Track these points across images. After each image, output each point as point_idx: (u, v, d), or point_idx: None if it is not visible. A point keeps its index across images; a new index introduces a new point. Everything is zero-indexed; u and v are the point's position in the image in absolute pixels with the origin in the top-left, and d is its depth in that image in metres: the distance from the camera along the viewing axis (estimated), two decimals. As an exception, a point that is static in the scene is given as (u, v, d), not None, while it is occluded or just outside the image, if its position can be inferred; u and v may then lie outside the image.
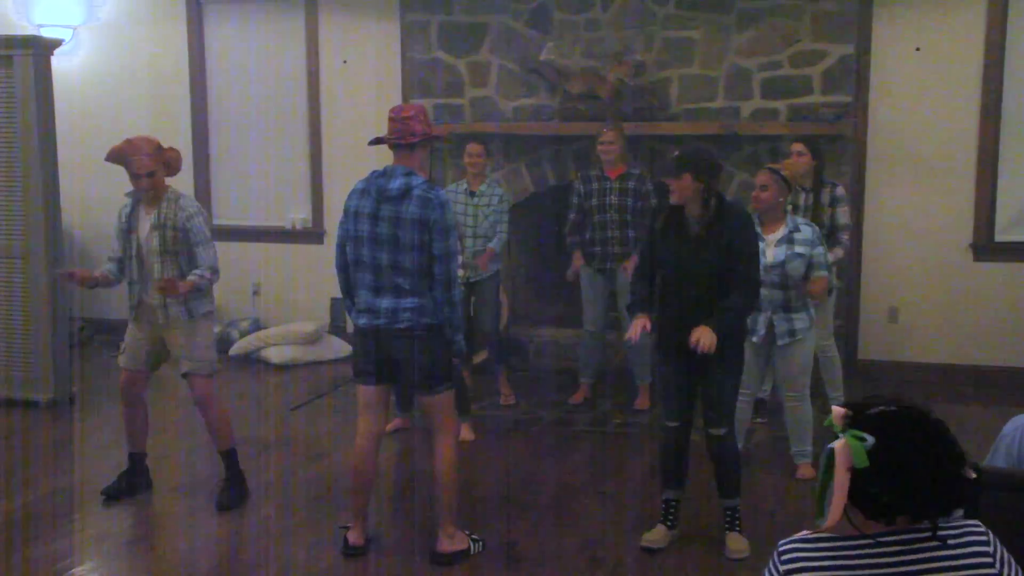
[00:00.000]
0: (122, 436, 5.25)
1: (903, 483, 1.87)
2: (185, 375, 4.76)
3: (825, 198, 5.71)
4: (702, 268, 4.04)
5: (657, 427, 4.50)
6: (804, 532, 2.01)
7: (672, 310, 4.17)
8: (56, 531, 4.52)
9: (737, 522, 4.29)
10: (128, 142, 4.67)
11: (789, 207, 5.60)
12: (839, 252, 5.73)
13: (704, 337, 3.94)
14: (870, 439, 1.86)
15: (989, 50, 6.55)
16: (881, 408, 1.93)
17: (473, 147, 6.19)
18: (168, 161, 4.73)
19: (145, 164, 4.61)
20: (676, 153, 4.13)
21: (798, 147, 5.71)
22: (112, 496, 4.84)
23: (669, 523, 4.36)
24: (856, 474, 1.87)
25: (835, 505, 1.88)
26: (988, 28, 6.54)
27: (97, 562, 4.28)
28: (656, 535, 4.32)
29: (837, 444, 1.90)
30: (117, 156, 4.65)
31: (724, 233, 4.04)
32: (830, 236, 5.69)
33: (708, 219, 4.05)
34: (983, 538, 1.92)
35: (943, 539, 1.89)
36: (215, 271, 4.74)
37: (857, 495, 1.88)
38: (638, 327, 4.13)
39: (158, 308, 4.70)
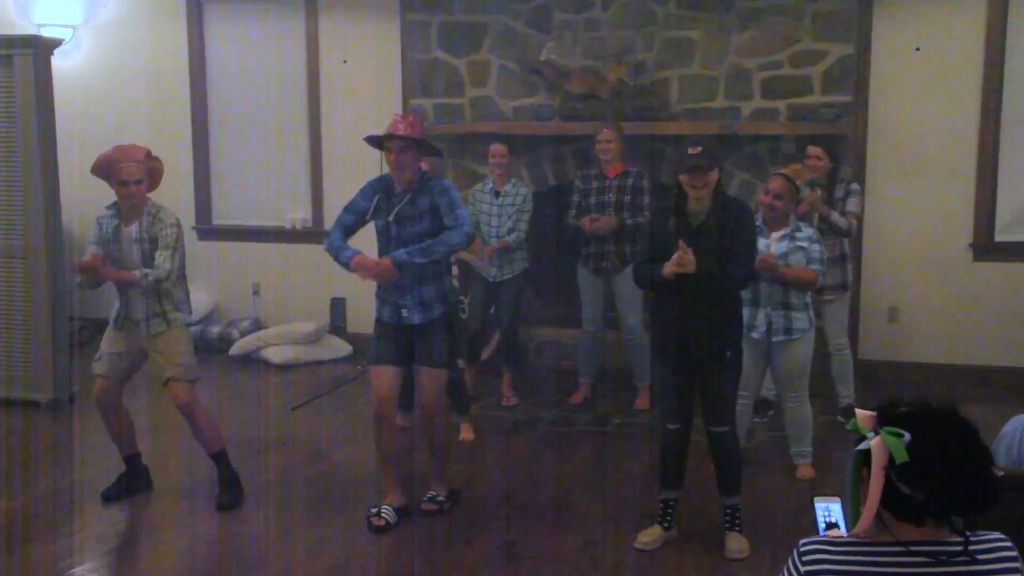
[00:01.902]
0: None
1: (938, 481, 1.83)
2: (167, 382, 4.72)
3: (839, 192, 5.71)
4: (702, 262, 4.03)
5: (658, 429, 4.49)
6: (827, 532, 1.98)
7: (670, 309, 4.16)
8: (56, 531, 4.52)
9: (737, 522, 4.29)
10: (118, 147, 4.65)
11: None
12: (849, 218, 5.68)
13: (684, 254, 3.95)
14: (907, 435, 1.83)
15: (989, 50, 6.55)
16: (909, 407, 1.90)
17: (497, 147, 6.19)
18: (152, 171, 4.71)
19: (135, 170, 4.59)
20: (699, 149, 4.06)
21: (816, 151, 5.68)
22: (111, 498, 4.84)
23: (666, 524, 4.35)
24: (889, 475, 1.83)
25: (868, 507, 1.85)
26: (988, 28, 6.54)
27: (97, 562, 4.28)
28: (649, 536, 4.32)
29: (873, 442, 1.86)
30: (105, 163, 4.60)
31: (725, 225, 4.06)
32: (828, 222, 5.68)
33: (715, 209, 4.07)
34: (1012, 553, 1.90)
35: (973, 553, 1.86)
36: (161, 277, 4.58)
37: (888, 496, 1.85)
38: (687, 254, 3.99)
39: (140, 321, 4.71)
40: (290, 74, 7.83)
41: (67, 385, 6.40)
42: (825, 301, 5.70)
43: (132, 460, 4.96)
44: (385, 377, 4.55)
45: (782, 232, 4.86)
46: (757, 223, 4.80)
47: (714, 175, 4.07)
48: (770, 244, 4.81)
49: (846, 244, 5.79)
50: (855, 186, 5.81)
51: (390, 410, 4.58)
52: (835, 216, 5.56)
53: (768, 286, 4.81)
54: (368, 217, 4.59)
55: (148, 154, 4.70)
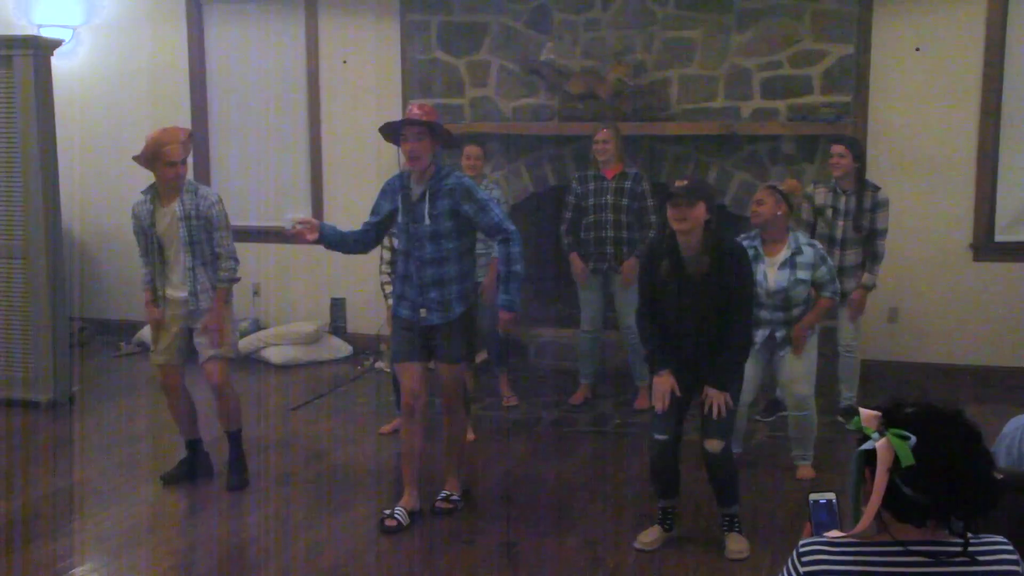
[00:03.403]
0: (123, 435, 5.53)
1: (942, 484, 1.83)
2: (205, 361, 4.90)
3: (867, 202, 5.68)
4: (706, 307, 4.02)
5: (646, 439, 4.47)
6: (827, 533, 1.98)
7: (670, 332, 4.14)
8: (56, 531, 4.52)
9: (737, 523, 4.28)
10: (163, 130, 4.82)
11: (828, 212, 5.62)
12: (877, 270, 5.72)
13: (717, 401, 4.03)
14: (913, 438, 1.82)
15: (989, 50, 6.55)
16: (914, 408, 1.90)
17: (471, 149, 6.18)
18: (188, 150, 4.88)
19: (180, 151, 4.76)
20: (685, 182, 4.03)
21: (838, 149, 5.68)
22: (171, 481, 5.02)
23: (666, 525, 4.35)
24: (893, 476, 1.83)
25: (870, 508, 1.84)
26: (988, 28, 6.54)
27: (97, 562, 4.28)
28: (650, 536, 4.31)
29: (878, 444, 1.85)
30: (152, 147, 4.73)
31: (722, 269, 4.01)
32: (868, 241, 5.67)
33: (706, 251, 4.00)
34: (1012, 557, 1.90)
35: (973, 555, 1.86)
36: (235, 259, 4.91)
37: (890, 497, 1.85)
38: (665, 391, 4.08)
39: (188, 300, 4.85)
40: (290, 74, 7.83)
41: (67, 385, 6.41)
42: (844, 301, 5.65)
43: (194, 445, 5.12)
44: (411, 372, 4.57)
45: (781, 257, 4.80)
46: (755, 243, 4.79)
47: (698, 211, 3.93)
48: (767, 273, 4.76)
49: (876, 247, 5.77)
50: (883, 195, 5.73)
51: (421, 404, 4.59)
52: (871, 278, 5.70)
53: (771, 313, 4.80)
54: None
55: (189, 134, 4.91)
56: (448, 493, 4.71)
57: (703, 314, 4.03)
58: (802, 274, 4.77)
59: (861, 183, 5.71)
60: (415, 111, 4.42)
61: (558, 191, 6.97)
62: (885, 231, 5.73)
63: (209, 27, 8.03)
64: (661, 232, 5.04)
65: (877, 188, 5.80)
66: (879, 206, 5.69)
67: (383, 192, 4.60)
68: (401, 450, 4.78)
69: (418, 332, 4.54)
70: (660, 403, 4.10)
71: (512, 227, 4.42)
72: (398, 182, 4.55)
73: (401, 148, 4.43)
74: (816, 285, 4.86)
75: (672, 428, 4.19)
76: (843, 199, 5.69)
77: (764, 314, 4.78)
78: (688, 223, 3.94)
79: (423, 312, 4.48)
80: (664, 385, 4.09)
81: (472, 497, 4.81)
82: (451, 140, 4.63)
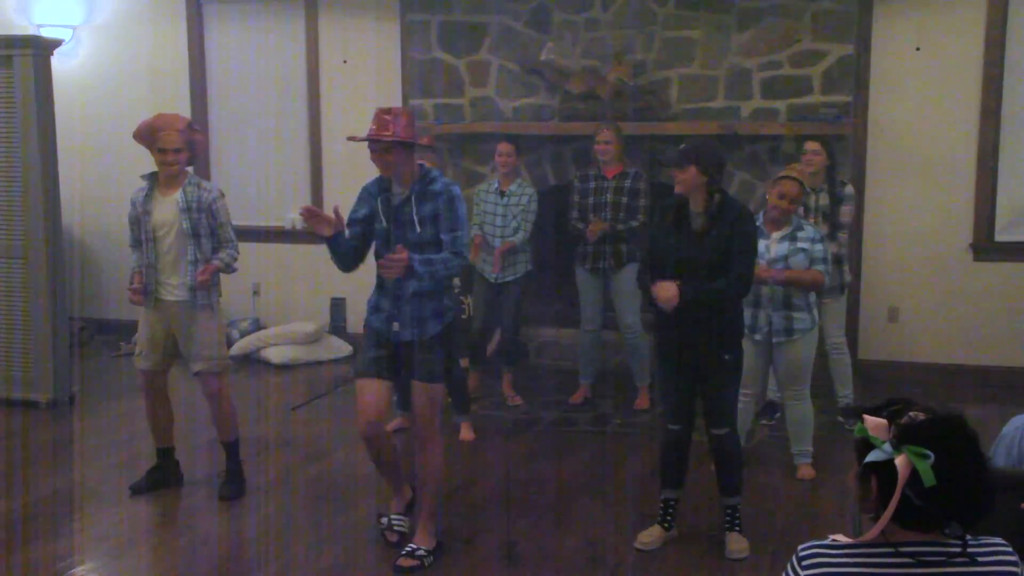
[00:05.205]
0: (123, 435, 5.47)
1: (952, 496, 1.84)
2: (197, 374, 4.82)
3: (836, 198, 5.72)
4: (702, 262, 4.05)
5: (659, 429, 4.49)
6: (830, 537, 1.98)
7: (671, 311, 4.15)
8: (56, 531, 4.52)
9: (737, 522, 4.29)
10: (159, 115, 4.73)
11: (800, 209, 5.64)
12: (834, 248, 5.71)
13: (663, 292, 4.00)
14: (932, 455, 1.82)
15: (989, 50, 6.55)
16: (922, 418, 1.89)
17: (504, 146, 6.19)
18: (193, 143, 4.76)
19: (175, 139, 4.65)
20: (682, 146, 4.16)
21: (813, 146, 5.72)
22: (139, 491, 4.91)
23: (667, 524, 4.36)
24: (905, 489, 1.83)
25: (882, 519, 1.85)
26: (988, 28, 6.54)
27: (97, 562, 4.28)
28: (650, 536, 4.32)
29: (897, 460, 1.85)
30: (146, 129, 4.67)
31: (724, 228, 4.06)
32: (830, 234, 5.69)
33: (710, 214, 4.08)
34: (1012, 558, 1.91)
35: (972, 556, 1.87)
36: (237, 250, 4.83)
37: (899, 507, 1.85)
38: (671, 295, 4.01)
39: (170, 293, 4.74)
40: (290, 74, 7.83)
41: (67, 385, 6.41)
42: (822, 303, 5.70)
43: (165, 453, 5.03)
44: (370, 393, 4.08)
45: (783, 232, 4.86)
46: (758, 223, 4.83)
47: (688, 174, 4.03)
48: (769, 245, 4.82)
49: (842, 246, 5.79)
50: (849, 190, 5.79)
51: (377, 431, 4.15)
52: (848, 275, 5.79)
53: (769, 288, 4.82)
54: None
55: (189, 124, 4.79)
56: (415, 547, 4.14)
57: (704, 275, 4.04)
58: (803, 244, 4.81)
59: (831, 180, 5.74)
60: (382, 117, 3.97)
61: (558, 190, 6.97)
62: (846, 225, 5.75)
63: (209, 27, 8.04)
64: (647, 226, 5.22)
65: (844, 184, 5.84)
66: (844, 200, 5.72)
67: (360, 198, 4.19)
68: (376, 468, 4.42)
69: (389, 348, 4.12)
70: (669, 302, 4.01)
71: (465, 261, 4.21)
72: (376, 186, 4.16)
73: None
74: (811, 260, 4.86)
75: (684, 418, 4.24)
76: (814, 197, 5.71)
77: (764, 288, 4.79)
78: (680, 185, 4.09)
79: (395, 326, 4.07)
80: (667, 288, 4.01)
81: (445, 550, 4.25)
82: (421, 148, 4.20)
